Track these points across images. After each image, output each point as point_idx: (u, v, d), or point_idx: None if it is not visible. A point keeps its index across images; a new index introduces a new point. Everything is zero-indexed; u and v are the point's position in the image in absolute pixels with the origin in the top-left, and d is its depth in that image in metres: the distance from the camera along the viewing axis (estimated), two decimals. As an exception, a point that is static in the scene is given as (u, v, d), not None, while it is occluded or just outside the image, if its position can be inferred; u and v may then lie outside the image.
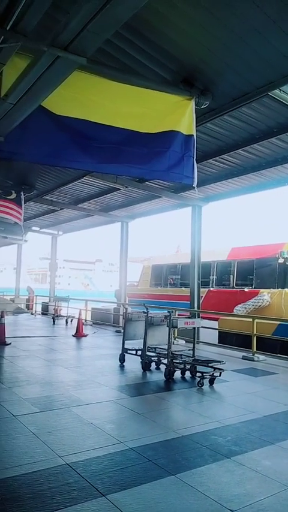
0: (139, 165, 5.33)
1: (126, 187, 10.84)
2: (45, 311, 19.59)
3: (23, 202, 10.97)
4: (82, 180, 10.74)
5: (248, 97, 6.06)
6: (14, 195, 10.79)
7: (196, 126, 5.90)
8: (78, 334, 12.01)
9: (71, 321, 15.30)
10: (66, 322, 15.45)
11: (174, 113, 5.50)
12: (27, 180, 11.51)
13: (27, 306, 21.38)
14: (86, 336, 12.08)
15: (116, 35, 4.64)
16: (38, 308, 20.46)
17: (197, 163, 8.46)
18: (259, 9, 4.28)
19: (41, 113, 4.63)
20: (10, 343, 9.89)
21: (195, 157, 5.65)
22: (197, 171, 9.19)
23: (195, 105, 5.71)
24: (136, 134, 5.20)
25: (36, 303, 20.69)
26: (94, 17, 2.92)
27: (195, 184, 5.67)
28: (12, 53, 3.58)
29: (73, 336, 12.02)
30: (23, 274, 27.78)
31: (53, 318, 16.12)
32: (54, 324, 15.44)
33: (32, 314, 20.06)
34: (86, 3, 2.82)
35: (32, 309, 20.83)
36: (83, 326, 12.93)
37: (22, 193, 11.21)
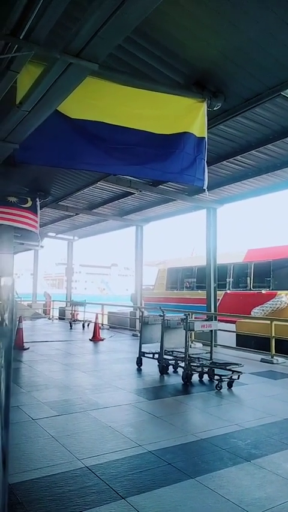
0: (154, 166, 5.35)
1: (140, 191, 10.88)
2: (62, 316, 19.75)
3: (38, 209, 11.09)
4: (97, 185, 10.83)
5: (260, 97, 6.02)
6: (29, 203, 10.90)
7: (209, 128, 5.90)
8: (95, 338, 12.07)
9: (88, 325, 15.38)
10: (83, 327, 15.55)
11: (187, 116, 5.51)
12: (43, 187, 11.66)
13: (44, 311, 21.61)
14: (102, 340, 12.13)
15: (126, 40, 4.69)
16: (55, 313, 20.64)
17: (210, 165, 8.52)
18: (270, 11, 4.27)
19: (56, 117, 4.69)
20: (28, 348, 10.00)
21: (206, 160, 5.64)
22: (211, 173, 9.25)
23: (208, 107, 5.70)
24: (152, 135, 5.23)
25: (53, 308, 20.88)
26: (105, 23, 2.95)
27: (205, 187, 5.66)
28: (26, 62, 3.65)
29: (90, 340, 12.08)
30: (40, 279, 28.08)
31: (70, 323, 16.24)
32: (71, 328, 15.55)
33: (49, 319, 20.24)
34: (96, 10, 2.86)
35: (49, 314, 21.04)
36: (100, 330, 12.98)
37: (37, 200, 11.35)
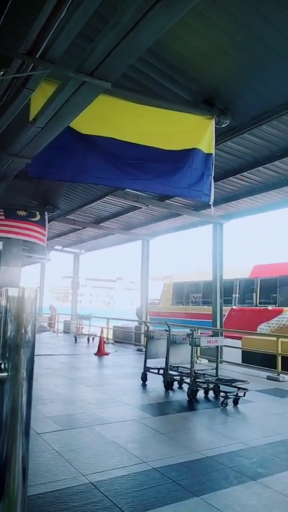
0: (163, 181, 5.43)
1: (147, 205, 10.96)
2: (67, 329, 19.71)
3: (46, 222, 11.22)
4: (104, 199, 10.93)
5: (268, 115, 6.11)
6: (38, 217, 11.03)
7: (216, 145, 5.97)
8: (100, 353, 12.02)
9: (93, 339, 15.33)
10: (88, 341, 15.50)
11: (195, 132, 5.61)
12: (51, 201, 11.79)
13: (50, 324, 21.57)
14: (107, 354, 12.08)
15: (138, 59, 4.80)
16: (60, 326, 20.61)
17: (217, 180, 8.59)
18: (276, 29, 4.37)
19: (68, 133, 4.80)
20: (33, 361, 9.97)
21: (213, 176, 5.71)
22: (218, 189, 9.32)
23: (216, 124, 5.80)
24: (161, 151, 5.32)
25: (58, 321, 20.85)
26: (118, 44, 3.05)
27: (211, 202, 5.72)
28: (41, 80, 3.76)
29: (95, 354, 12.03)
30: (46, 292, 28.11)
31: (75, 336, 16.20)
32: (76, 342, 15.50)
33: (54, 332, 20.21)
34: (110, 31, 2.96)
35: (54, 327, 21.00)
36: (105, 344, 12.93)
37: (46, 213, 11.49)
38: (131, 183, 5.67)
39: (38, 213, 10.72)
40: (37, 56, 3.28)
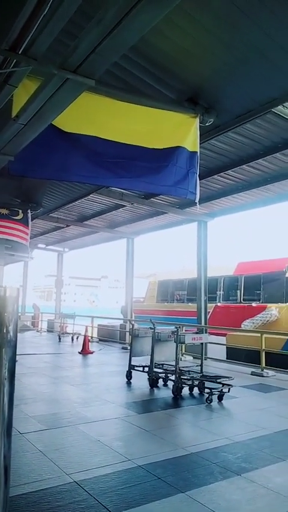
0: (148, 179, 5.42)
1: (132, 204, 10.95)
2: (51, 328, 19.57)
3: (29, 221, 11.10)
4: (88, 197, 10.88)
5: (251, 114, 6.16)
6: (21, 216, 10.91)
7: (201, 143, 6.00)
8: (85, 351, 11.98)
9: (77, 338, 15.26)
10: (72, 339, 15.42)
11: (179, 130, 5.62)
12: (35, 198, 11.66)
13: (33, 324, 21.36)
14: (92, 353, 12.04)
15: (122, 56, 4.77)
16: (44, 325, 20.44)
17: (202, 179, 8.61)
18: (260, 30, 4.40)
19: (51, 131, 4.75)
20: (17, 361, 9.83)
21: (198, 174, 5.73)
22: (203, 187, 9.37)
23: (200, 123, 5.82)
24: (145, 150, 5.31)
25: (42, 320, 20.69)
26: (102, 41, 3.03)
27: (197, 200, 5.75)
28: (24, 76, 3.71)
29: (79, 353, 11.98)
30: (29, 291, 27.85)
31: (59, 335, 16.10)
32: (60, 341, 15.40)
33: (37, 331, 20.02)
34: (94, 28, 2.93)
35: (37, 326, 20.81)
36: (89, 343, 12.89)
37: (29, 212, 11.36)
38: (115, 182, 5.66)
39: (20, 211, 10.59)
40: (20, 52, 3.23)
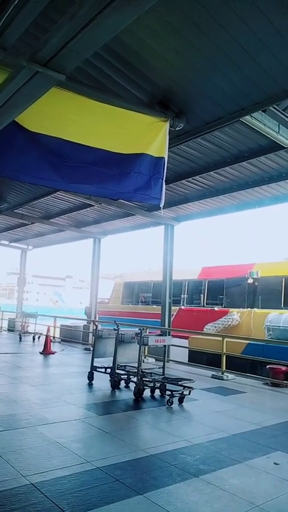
0: (108, 186, 5.33)
1: (100, 203, 10.88)
2: (11, 327, 19.06)
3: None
4: (55, 195, 10.70)
5: (220, 122, 6.26)
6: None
7: (170, 147, 6.02)
8: (46, 352, 11.76)
9: (39, 338, 14.96)
10: (34, 339, 15.10)
11: (147, 135, 5.57)
12: (-1, 193, 11.37)
13: (-7, 322, 20.72)
14: (54, 353, 11.84)
15: (94, 55, 4.75)
16: (4, 324, 19.89)
17: (169, 183, 8.69)
18: (233, 40, 4.48)
19: (12, 128, 4.58)
20: (-26, 360, 9.54)
21: (164, 179, 5.71)
22: (170, 191, 9.44)
23: (170, 127, 5.84)
24: (109, 154, 5.23)
25: (2, 319, 20.12)
26: (75, 36, 2.98)
27: (161, 205, 5.72)
28: (-9, 66, 3.60)
29: (40, 353, 11.75)
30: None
31: (20, 335, 15.71)
32: (20, 340, 15.04)
33: (-2, 330, 19.46)
34: (67, 22, 2.89)
35: (-2, 325, 20.20)
36: (51, 343, 12.67)
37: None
38: (74, 187, 5.55)
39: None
40: (-12, 41, 3.13)
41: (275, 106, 5.86)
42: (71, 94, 4.83)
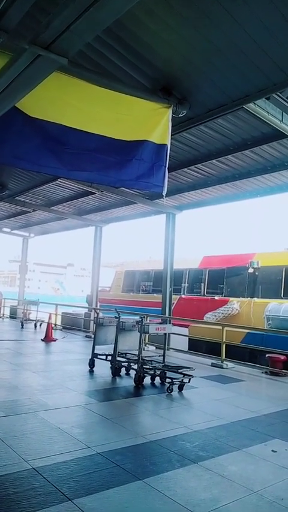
0: (110, 173, 5.26)
1: (102, 191, 10.83)
2: (13, 315, 19.16)
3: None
4: (57, 182, 10.65)
5: (223, 109, 6.17)
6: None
7: (172, 135, 5.95)
8: (48, 339, 11.83)
9: (40, 325, 15.05)
10: (35, 326, 15.19)
11: (149, 121, 5.48)
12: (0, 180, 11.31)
13: (-5, 309, 20.82)
14: (55, 340, 11.91)
15: (97, 39, 4.67)
16: (6, 311, 19.98)
17: (172, 171, 8.63)
18: (238, 25, 4.39)
19: (13, 114, 4.50)
20: (-24, 346, 9.61)
21: (167, 166, 5.65)
22: (172, 179, 9.38)
23: (173, 114, 5.77)
24: (111, 141, 5.15)
25: (4, 306, 20.21)
26: (78, 18, 2.92)
27: (164, 193, 5.66)
28: (-8, 50, 3.54)
29: (42, 340, 11.82)
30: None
31: (22, 322, 15.80)
32: (22, 327, 15.13)
33: (-1, 317, 19.57)
34: (70, 4, 2.82)
35: (-1, 312, 20.31)
36: (53, 330, 12.74)
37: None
38: (75, 175, 5.47)
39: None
40: (-11, 24, 3.07)
41: (278, 94, 5.78)
42: (73, 79, 4.76)
